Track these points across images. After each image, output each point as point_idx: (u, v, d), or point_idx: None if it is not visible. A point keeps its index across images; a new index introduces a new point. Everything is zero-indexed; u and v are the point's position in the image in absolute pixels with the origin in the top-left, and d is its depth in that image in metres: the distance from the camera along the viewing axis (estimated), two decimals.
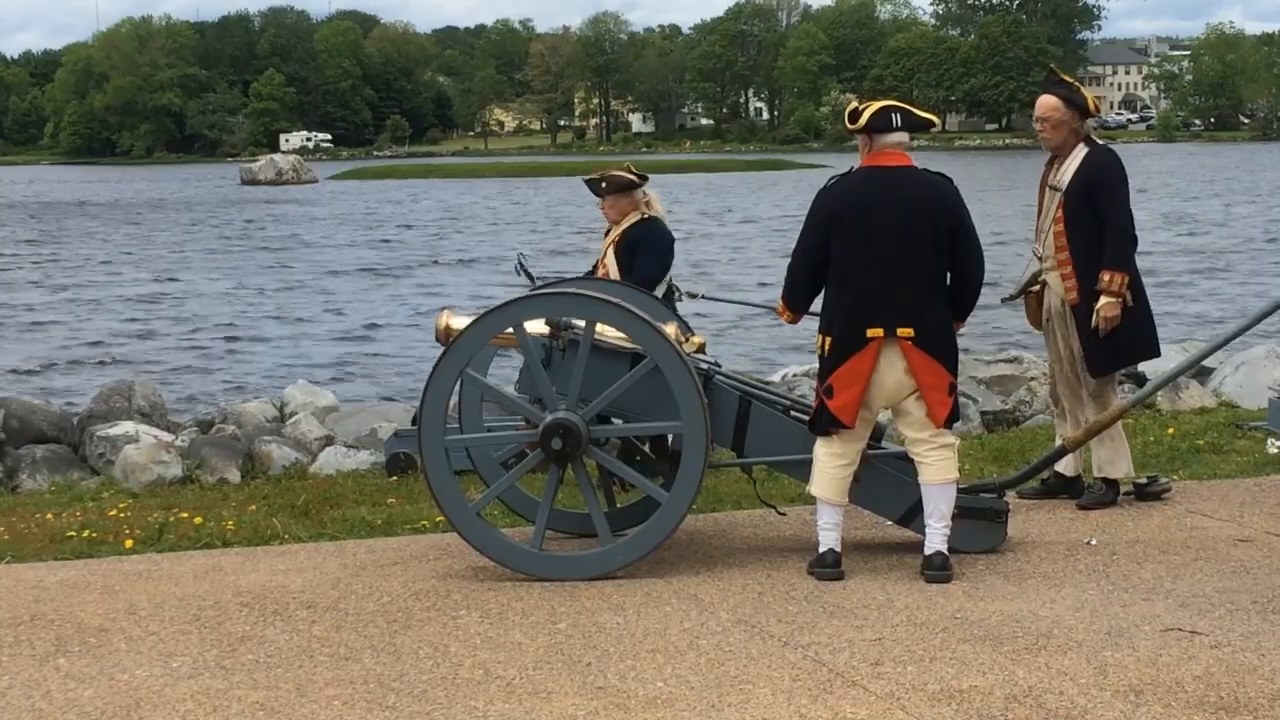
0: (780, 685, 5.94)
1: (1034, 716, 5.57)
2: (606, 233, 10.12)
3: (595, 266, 10.12)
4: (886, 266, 7.38)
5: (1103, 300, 8.59)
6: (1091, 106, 8.80)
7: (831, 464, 7.56)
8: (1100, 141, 8.93)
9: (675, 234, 10.19)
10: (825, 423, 7.51)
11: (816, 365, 7.81)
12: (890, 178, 7.50)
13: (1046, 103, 8.82)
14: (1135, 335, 8.75)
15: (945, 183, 7.61)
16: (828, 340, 7.51)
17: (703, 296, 8.67)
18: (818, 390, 7.59)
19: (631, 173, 9.96)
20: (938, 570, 7.41)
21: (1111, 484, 8.96)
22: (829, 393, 7.45)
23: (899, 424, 7.68)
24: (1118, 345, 8.72)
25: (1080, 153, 8.76)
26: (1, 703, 5.98)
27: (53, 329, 30.07)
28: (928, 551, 7.50)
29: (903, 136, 7.59)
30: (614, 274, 9.65)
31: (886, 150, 7.56)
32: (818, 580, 7.45)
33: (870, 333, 7.37)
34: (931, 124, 7.88)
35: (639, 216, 9.87)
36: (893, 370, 7.42)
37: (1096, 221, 8.65)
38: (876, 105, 7.66)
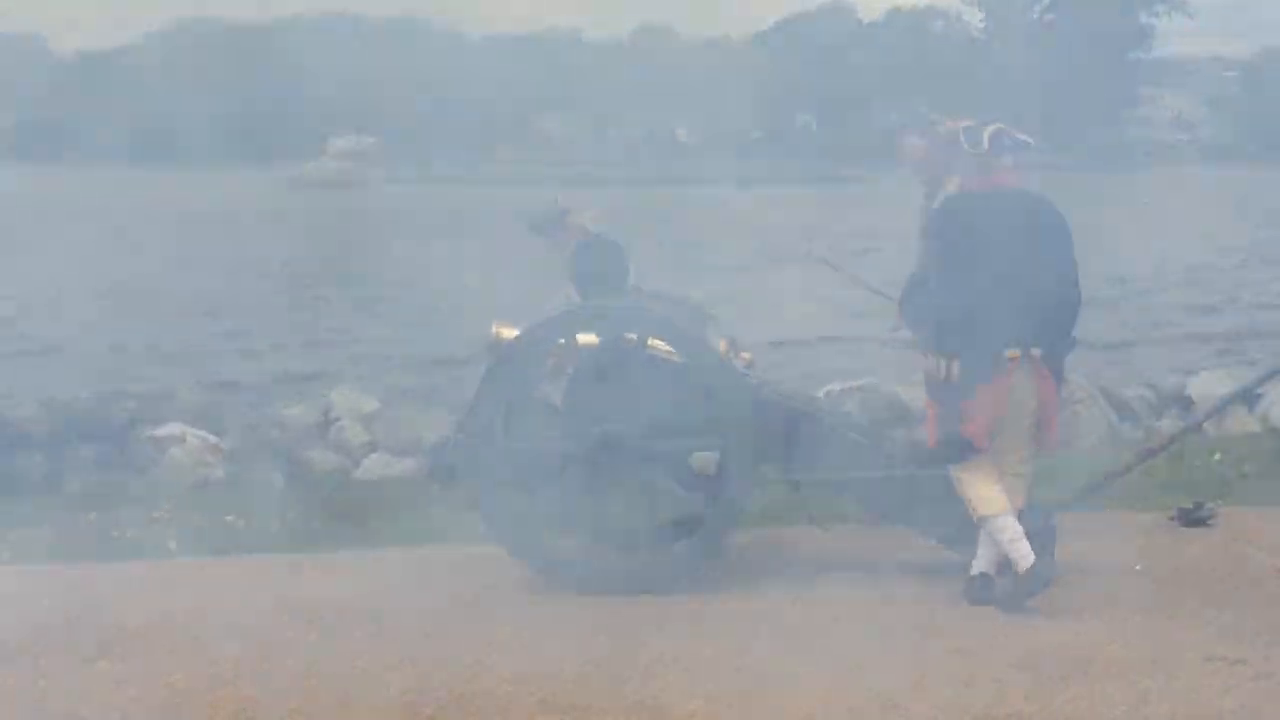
0: (819, 705, 5.92)
1: None
2: None
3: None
4: (1018, 286, 7.20)
5: None
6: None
7: (980, 478, 7.37)
8: None
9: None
10: (964, 451, 7.33)
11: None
12: (1014, 198, 7.44)
13: None
14: None
15: (1054, 205, 7.56)
16: (953, 364, 7.30)
17: (828, 263, 8.34)
18: (938, 416, 7.39)
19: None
20: (981, 593, 7.36)
21: None
22: (962, 418, 7.27)
23: (996, 441, 7.50)
24: None
25: None
26: (42, 705, 6.02)
27: (99, 330, 30.12)
28: (972, 573, 7.45)
29: (1012, 158, 7.53)
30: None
31: (1004, 171, 7.50)
32: (1026, 596, 7.18)
33: (1009, 354, 7.24)
34: (1028, 145, 7.74)
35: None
36: (1021, 390, 7.28)
37: None
38: (994, 127, 7.52)
